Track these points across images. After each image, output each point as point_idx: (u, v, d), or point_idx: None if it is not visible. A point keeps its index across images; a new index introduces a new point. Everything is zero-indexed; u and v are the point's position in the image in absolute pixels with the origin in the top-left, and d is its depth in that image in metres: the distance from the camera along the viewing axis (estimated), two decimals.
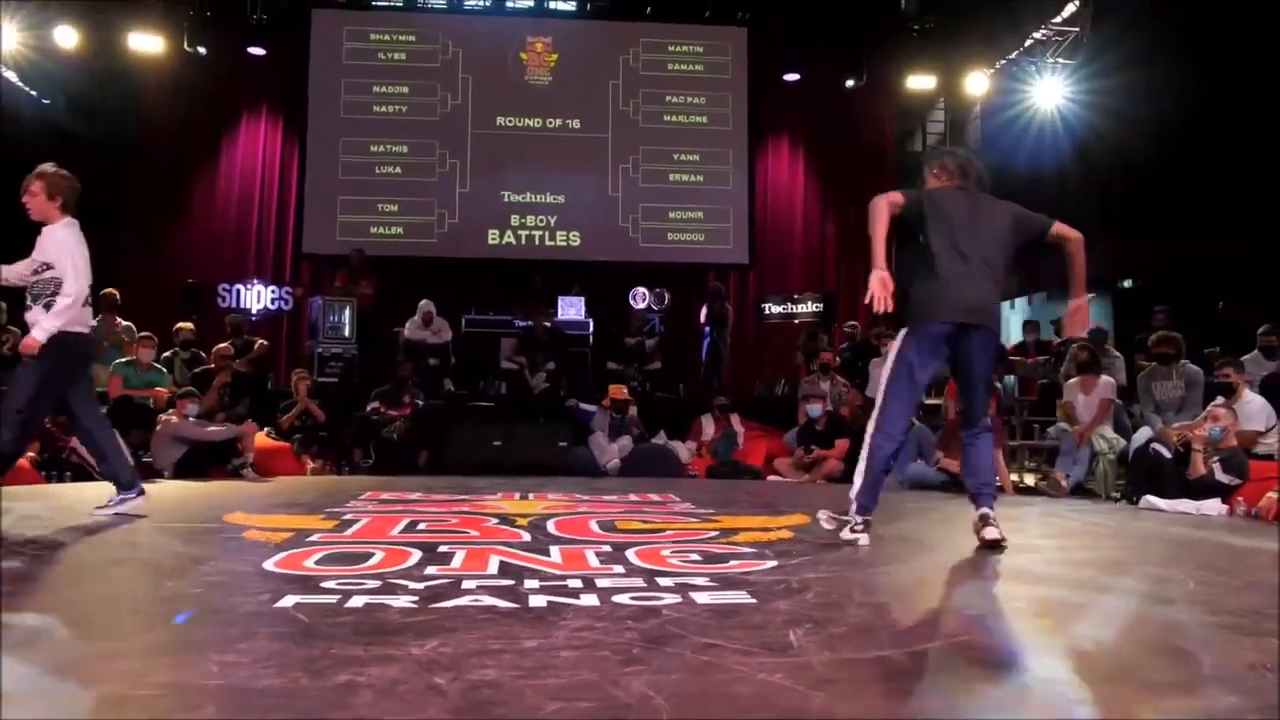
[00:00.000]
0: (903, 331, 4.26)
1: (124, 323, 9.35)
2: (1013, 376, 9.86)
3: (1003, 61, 13.10)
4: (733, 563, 3.62)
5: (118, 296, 9.52)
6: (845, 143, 13.93)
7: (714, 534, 4.42)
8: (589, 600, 2.89)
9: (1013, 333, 13.53)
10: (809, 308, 12.54)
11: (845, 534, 4.23)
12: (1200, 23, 10.73)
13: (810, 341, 11.15)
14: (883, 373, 4.37)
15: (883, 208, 4.23)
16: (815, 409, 8.77)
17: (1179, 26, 11.05)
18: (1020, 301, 15.17)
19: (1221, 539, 4.79)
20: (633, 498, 6.29)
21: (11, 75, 12.01)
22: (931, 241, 4.22)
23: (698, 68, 13.79)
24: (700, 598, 2.93)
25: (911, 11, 12.60)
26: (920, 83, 13.34)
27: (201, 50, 12.50)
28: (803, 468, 8.57)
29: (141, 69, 12.32)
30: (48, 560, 3.60)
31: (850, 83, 13.52)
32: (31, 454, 7.32)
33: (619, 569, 3.44)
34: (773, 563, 3.63)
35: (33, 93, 12.34)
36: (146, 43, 12.03)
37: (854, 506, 4.27)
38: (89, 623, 2.63)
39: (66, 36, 11.65)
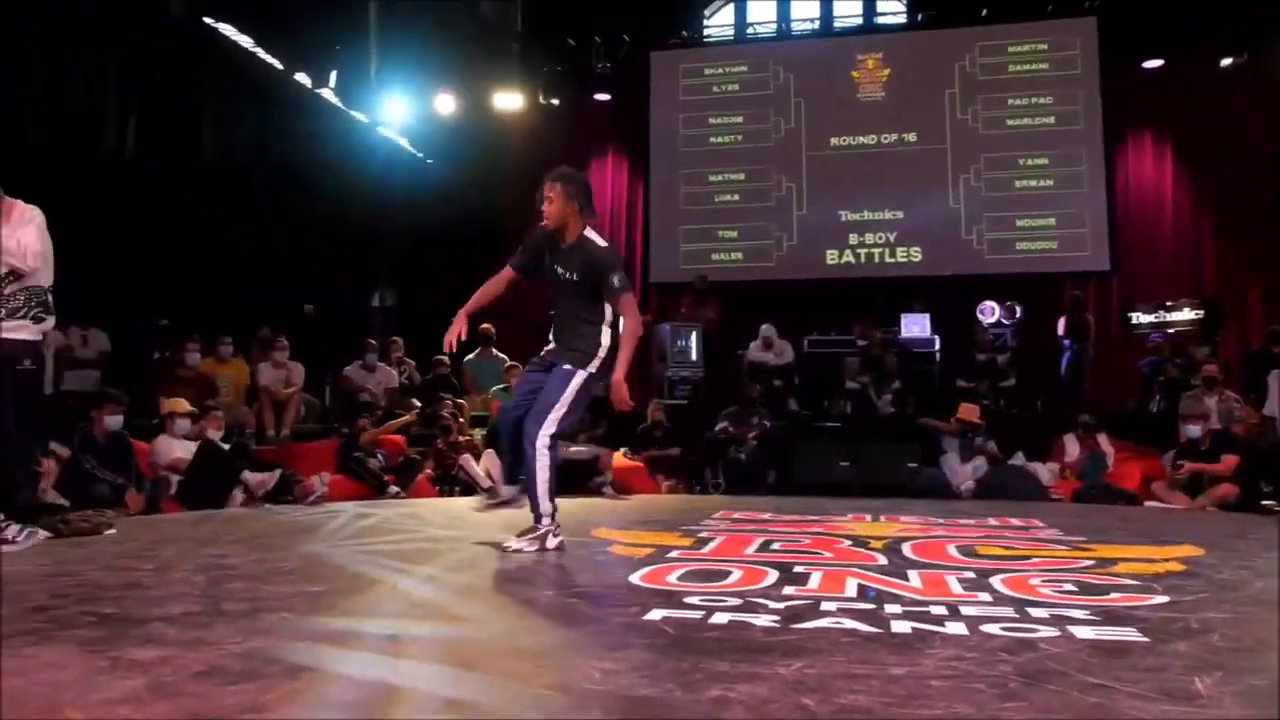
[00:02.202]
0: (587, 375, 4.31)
1: (499, 354, 10.29)
2: None
3: None
4: (1114, 596, 3.32)
5: (493, 331, 10.48)
6: (1223, 130, 12.28)
7: (1088, 564, 4.09)
8: (955, 628, 2.76)
9: None
10: (1185, 315, 11.26)
11: (551, 543, 4.35)
12: None
13: (1177, 354, 10.04)
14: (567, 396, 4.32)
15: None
16: (1195, 430, 7.83)
17: None
18: None
19: None
20: (992, 522, 6.01)
21: (403, 141, 13.72)
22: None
23: (1042, 66, 12.91)
24: (1080, 632, 2.70)
25: None
26: None
27: (554, 101, 13.61)
28: (1180, 487, 7.66)
29: (504, 124, 13.58)
30: (444, 569, 3.99)
31: (1227, 61, 12.01)
32: (428, 470, 8.29)
33: (985, 596, 3.28)
34: (1163, 598, 3.27)
35: (419, 154, 14.01)
36: (508, 100, 13.26)
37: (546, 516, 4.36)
38: (484, 624, 2.89)
39: (445, 103, 13.13)
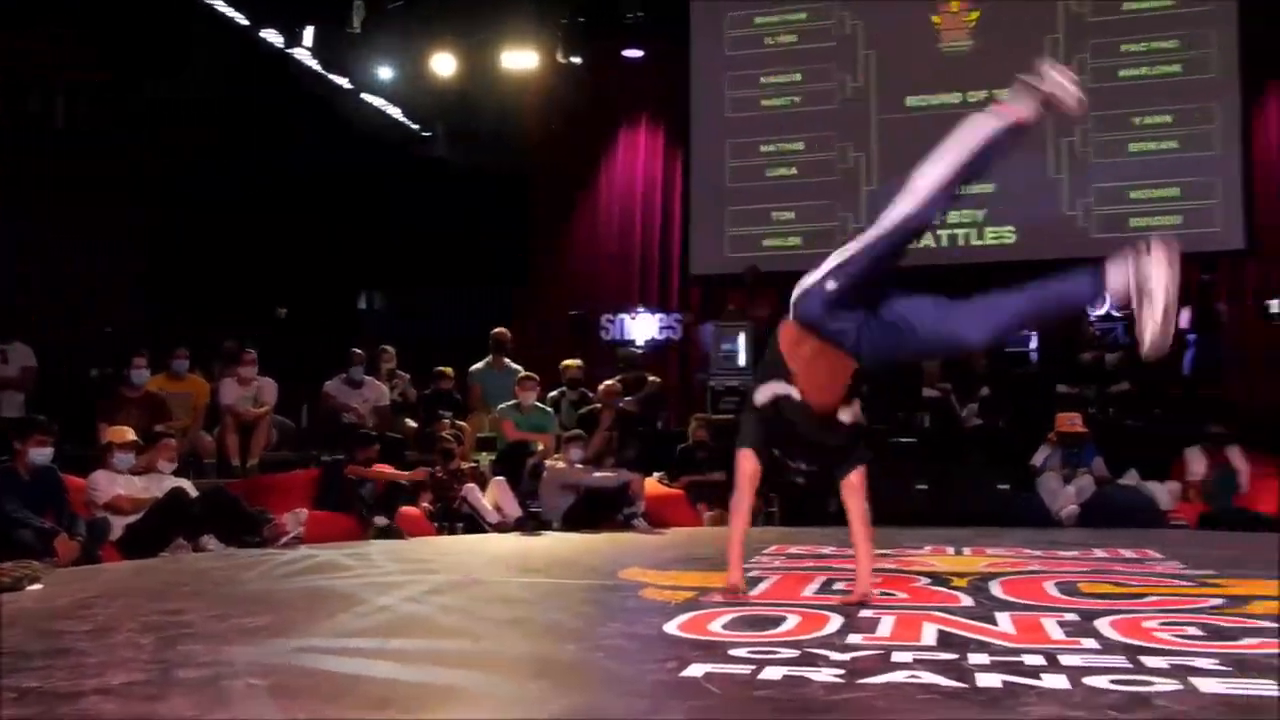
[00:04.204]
0: None
1: (513, 364, 10.25)
2: None
3: None
4: (1248, 641, 3.32)
5: (508, 336, 10.47)
6: None
7: (1217, 602, 4.11)
8: (1055, 681, 2.78)
9: None
10: None
11: None
12: None
13: None
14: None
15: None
16: None
17: None
18: None
19: None
20: (1099, 554, 6.03)
21: (395, 111, 13.81)
22: None
23: (1166, 2, 12.77)
24: (1207, 685, 2.71)
25: None
26: None
27: (576, 60, 13.61)
28: None
29: (516, 88, 13.60)
30: (446, 623, 4.03)
31: None
32: (425, 505, 8.31)
33: (1090, 643, 3.30)
34: None
35: (413, 126, 14.10)
36: (520, 59, 13.23)
37: None
38: (492, 689, 2.90)
39: (444, 64, 13.12)
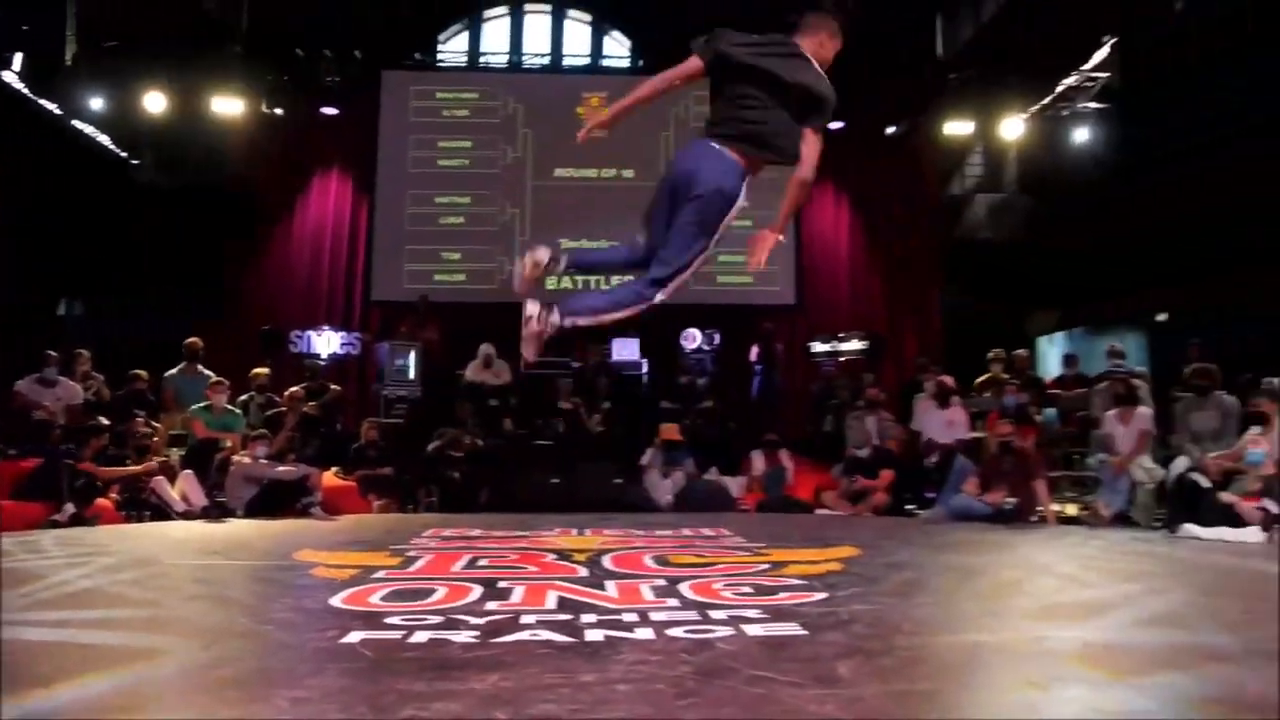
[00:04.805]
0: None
1: (205, 370, 9.47)
2: (1054, 409, 9.61)
3: (1037, 106, 12.97)
4: (783, 595, 3.58)
5: (200, 345, 9.67)
6: (888, 187, 13.87)
7: (765, 567, 4.38)
8: (644, 634, 2.87)
9: (1051, 366, 13.31)
10: (854, 346, 12.42)
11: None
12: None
13: (846, 380, 11.10)
14: None
15: None
16: (863, 452, 8.73)
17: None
18: (1059, 335, 14.86)
19: (1260, 566, 4.63)
20: (686, 532, 6.25)
21: (105, 139, 12.43)
22: None
23: None
24: (752, 630, 2.89)
25: (949, 60, 12.62)
26: (958, 128, 13.25)
27: (279, 111, 12.88)
28: (849, 497, 8.46)
29: (223, 129, 12.64)
30: (125, 597, 3.64)
31: (890, 130, 13.50)
32: (114, 495, 7.43)
33: (673, 602, 3.42)
34: (822, 595, 3.58)
35: (123, 154, 12.74)
36: (228, 105, 12.36)
37: None
38: (164, 656, 2.65)
39: (155, 102, 12.01)
